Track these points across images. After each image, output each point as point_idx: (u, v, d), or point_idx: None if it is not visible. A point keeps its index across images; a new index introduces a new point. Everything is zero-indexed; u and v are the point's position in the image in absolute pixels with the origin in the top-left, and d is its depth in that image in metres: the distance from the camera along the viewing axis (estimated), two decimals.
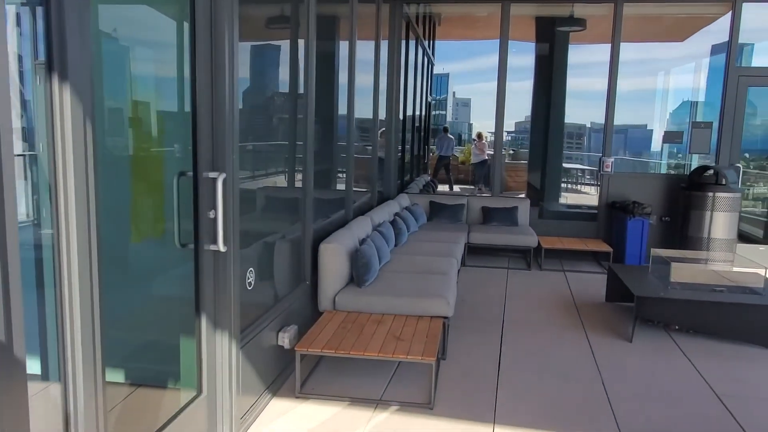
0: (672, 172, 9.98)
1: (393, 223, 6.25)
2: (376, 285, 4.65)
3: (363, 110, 6.44)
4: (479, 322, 5.32)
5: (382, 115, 7.46)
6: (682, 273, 5.16)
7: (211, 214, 2.94)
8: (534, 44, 10.00)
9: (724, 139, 7.61)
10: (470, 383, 4.04)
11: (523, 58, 9.36)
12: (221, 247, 2.88)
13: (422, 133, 12.51)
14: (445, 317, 4.39)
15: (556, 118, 9.94)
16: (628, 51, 8.14)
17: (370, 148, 7.12)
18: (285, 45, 4.13)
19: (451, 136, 15.50)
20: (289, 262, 4.20)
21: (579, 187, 13.79)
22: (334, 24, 5.31)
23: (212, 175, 2.89)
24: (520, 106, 9.57)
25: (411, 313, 4.40)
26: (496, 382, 4.06)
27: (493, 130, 8.34)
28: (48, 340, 1.94)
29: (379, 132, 7.53)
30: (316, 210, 4.64)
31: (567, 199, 12.03)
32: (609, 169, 7.91)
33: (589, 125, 16.13)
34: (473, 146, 14.16)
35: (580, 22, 9.58)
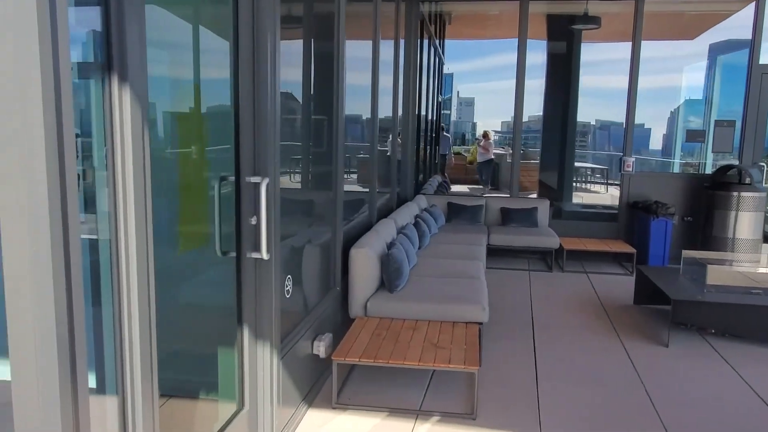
0: (691, 171, 9.89)
1: (416, 225, 6.13)
2: (407, 290, 4.53)
3: (382, 111, 6.32)
4: (509, 326, 5.19)
5: (398, 115, 7.34)
6: (717, 275, 5.04)
7: (253, 221, 2.82)
8: (545, 42, 9.88)
9: (747, 138, 7.50)
10: (509, 392, 3.91)
11: (532, 56, 9.16)
12: (264, 255, 2.76)
13: (433, 133, 12.38)
14: (481, 323, 4.27)
15: (570, 116, 9.82)
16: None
17: (389, 148, 6.99)
18: (314, 45, 4.00)
19: (448, 135, 15.39)
20: (320, 267, 4.07)
21: (595, 186, 13.71)
22: (358, 24, 5.19)
23: (255, 179, 2.76)
24: (527, 105, 9.37)
25: (445, 319, 4.28)
26: (536, 391, 3.93)
27: (498, 129, 8.24)
28: (104, 353, 1.82)
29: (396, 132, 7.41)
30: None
31: (582, 198, 11.92)
32: (630, 169, 7.78)
33: (593, 123, 16.04)
34: (478, 146, 14.03)
35: (595, 20, 9.46)
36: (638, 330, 5.18)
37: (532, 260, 7.83)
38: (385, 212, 6.38)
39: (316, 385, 3.83)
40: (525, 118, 10.22)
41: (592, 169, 14.78)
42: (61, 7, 1.40)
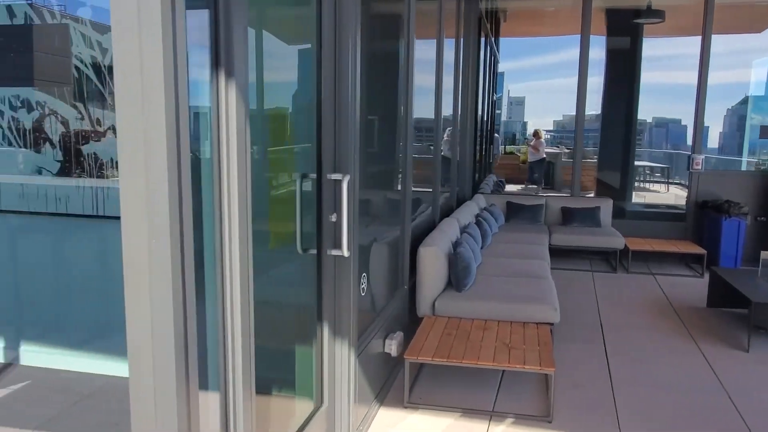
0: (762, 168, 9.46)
1: (478, 224, 6.06)
2: (475, 289, 4.47)
3: (443, 110, 6.27)
4: (577, 328, 5.07)
5: (458, 114, 7.27)
6: None
7: (333, 218, 2.83)
8: (604, 38, 9.61)
9: None
10: (585, 395, 3.81)
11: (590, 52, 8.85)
12: (345, 252, 2.76)
13: (487, 133, 12.23)
14: (552, 324, 4.18)
15: (631, 113, 9.52)
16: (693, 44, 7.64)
17: (447, 147, 6.94)
18: (383, 45, 4.00)
19: (497, 135, 15.13)
20: (390, 266, 4.07)
21: (654, 185, 13.27)
22: (421, 23, 5.16)
23: (336, 176, 2.77)
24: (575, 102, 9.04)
25: (515, 319, 4.21)
26: (611, 395, 3.82)
27: (549, 128, 8.01)
28: (208, 349, 1.85)
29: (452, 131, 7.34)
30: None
31: (645, 198, 11.56)
32: (699, 167, 7.48)
33: (649, 120, 15.52)
34: (529, 145, 13.78)
35: (659, 14, 9.14)
36: (714, 334, 4.97)
37: (594, 261, 7.63)
38: (446, 211, 6.33)
39: (387, 383, 3.82)
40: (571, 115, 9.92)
41: (651, 167, 14.32)
42: (179, 9, 1.42)
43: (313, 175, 2.77)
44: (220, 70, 1.67)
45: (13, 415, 3.39)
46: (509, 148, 16.88)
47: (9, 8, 3.64)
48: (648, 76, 9.64)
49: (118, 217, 4.01)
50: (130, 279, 1.47)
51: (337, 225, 2.81)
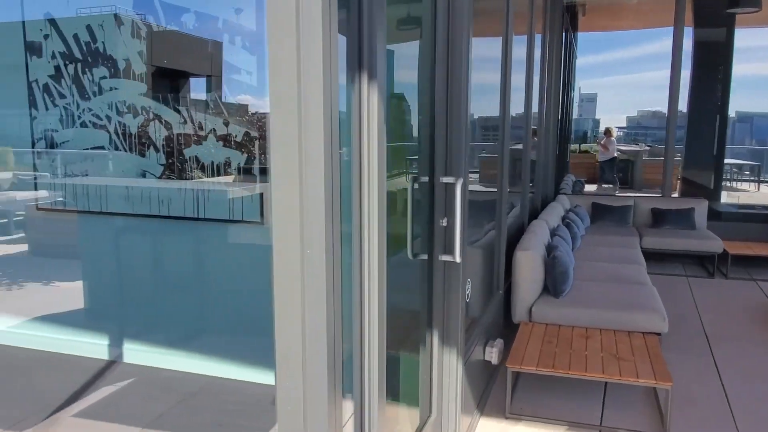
0: None
1: (567, 226, 5.84)
2: (573, 295, 4.28)
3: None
4: (680, 337, 4.78)
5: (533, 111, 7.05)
6: None
7: (443, 222, 2.74)
8: (691, 29, 9.08)
9: None
10: (700, 412, 3.56)
11: (668, 45, 8.32)
12: (457, 258, 2.67)
13: (565, 131, 11.86)
14: (659, 333, 3.94)
15: (721, 108, 8.96)
16: None
17: (534, 147, 6.73)
18: (484, 43, 3.88)
19: None
20: (486, 269, 3.95)
21: (742, 184, 12.52)
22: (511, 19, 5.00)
23: (448, 180, 2.68)
24: (653, 97, 8.59)
25: (618, 328, 4.00)
26: (730, 412, 3.55)
27: (622, 125, 7.59)
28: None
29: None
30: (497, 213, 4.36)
31: (739, 198, 10.91)
32: None
33: (732, 115, 14.59)
34: (599, 144, 13.27)
35: (755, 2, 8.56)
36: None
37: (687, 265, 7.22)
38: (531, 212, 6.14)
39: (485, 392, 3.71)
40: (647, 111, 9.39)
41: (739, 165, 13.51)
42: (333, 14, 1.37)
43: (425, 178, 2.70)
44: (362, 74, 1.61)
45: (122, 413, 3.48)
46: (584, 146, 16.35)
47: (116, 16, 3.75)
48: (739, 69, 9.06)
49: (216, 219, 4.04)
50: (282, 287, 1.43)
51: (448, 229, 2.72)
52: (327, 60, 1.32)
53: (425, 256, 2.74)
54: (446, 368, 2.89)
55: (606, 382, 3.87)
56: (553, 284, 4.24)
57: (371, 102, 1.64)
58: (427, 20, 2.59)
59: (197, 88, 3.88)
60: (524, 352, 3.62)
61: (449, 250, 2.71)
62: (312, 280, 1.40)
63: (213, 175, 3.76)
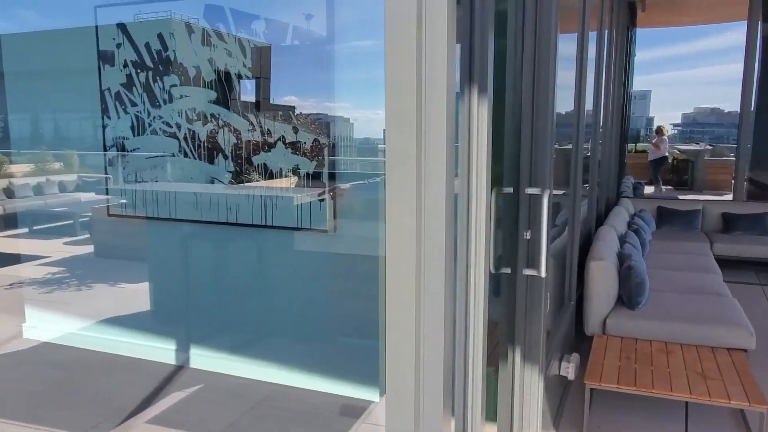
0: None
1: (636, 233, 5.61)
2: (649, 307, 4.09)
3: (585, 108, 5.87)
4: (763, 353, 4.51)
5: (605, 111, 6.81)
6: None
7: (527, 235, 2.62)
8: (745, 23, 8.62)
9: None
10: None
11: (724, 40, 7.87)
12: (542, 273, 2.54)
13: (623, 131, 11.48)
14: (746, 350, 3.72)
15: None
16: None
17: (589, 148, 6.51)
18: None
19: None
20: (559, 279, 3.80)
21: None
22: (581, 17, 4.82)
23: (534, 191, 2.56)
24: (711, 94, 8.18)
25: (700, 343, 3.79)
26: None
27: (677, 122, 7.23)
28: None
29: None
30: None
31: None
32: None
33: None
34: (650, 143, 12.81)
35: None
36: None
37: (760, 273, 6.85)
38: (596, 217, 5.93)
39: (560, 408, 3.57)
40: (704, 108, 8.94)
41: None
42: (453, 23, 1.28)
43: (508, 189, 2.59)
44: (473, 84, 1.52)
45: (194, 420, 3.49)
46: (639, 146, 15.84)
47: (188, 25, 3.77)
48: None
49: (281, 227, 3.99)
50: (395, 306, 1.36)
51: (532, 242, 2.60)
52: (451, 74, 1.24)
53: (508, 270, 2.63)
54: (527, 384, 2.78)
55: (687, 403, 3.68)
56: (628, 296, 4.05)
57: (480, 113, 1.55)
58: (512, 18, 2.48)
59: (246, 91, 3.86)
60: (602, 368, 3.47)
61: (532, 264, 2.59)
62: (431, 300, 1.33)
63: (271, 178, 3.75)
